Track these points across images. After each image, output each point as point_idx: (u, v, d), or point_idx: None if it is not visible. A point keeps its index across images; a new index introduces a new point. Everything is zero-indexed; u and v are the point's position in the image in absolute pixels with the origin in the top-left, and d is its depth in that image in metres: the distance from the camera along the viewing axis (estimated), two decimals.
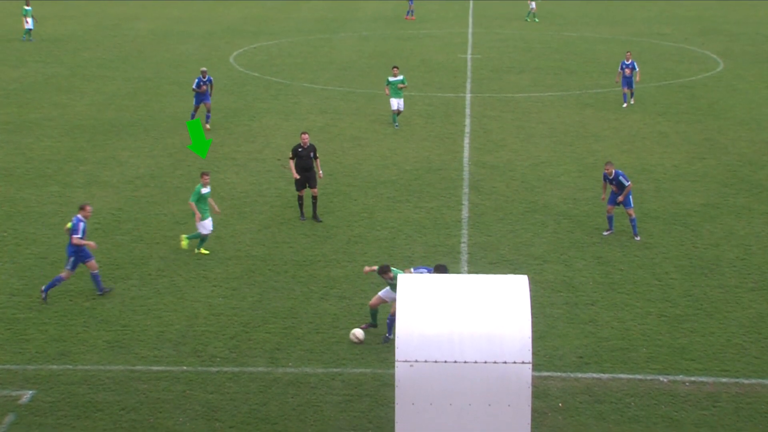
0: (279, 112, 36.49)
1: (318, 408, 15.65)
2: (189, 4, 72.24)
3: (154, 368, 16.93)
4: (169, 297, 19.84)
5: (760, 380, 16.47)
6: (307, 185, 24.36)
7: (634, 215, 23.07)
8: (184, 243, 22.24)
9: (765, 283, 20.51)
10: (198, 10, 69.12)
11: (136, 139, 32.54)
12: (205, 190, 22.14)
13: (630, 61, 36.30)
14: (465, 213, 24.97)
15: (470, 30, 58.74)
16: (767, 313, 19.02)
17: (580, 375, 16.69)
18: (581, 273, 21.11)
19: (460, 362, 13.20)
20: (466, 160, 29.96)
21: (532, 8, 61.81)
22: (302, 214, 24.48)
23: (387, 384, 16.04)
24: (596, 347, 17.69)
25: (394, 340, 14.06)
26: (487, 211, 25.12)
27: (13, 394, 16.05)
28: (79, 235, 19.47)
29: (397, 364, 13.15)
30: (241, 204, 25.80)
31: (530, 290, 13.84)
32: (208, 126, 33.41)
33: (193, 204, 22.09)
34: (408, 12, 63.15)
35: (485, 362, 13.19)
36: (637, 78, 36.78)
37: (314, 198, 24.44)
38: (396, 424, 13.07)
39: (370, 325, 18.30)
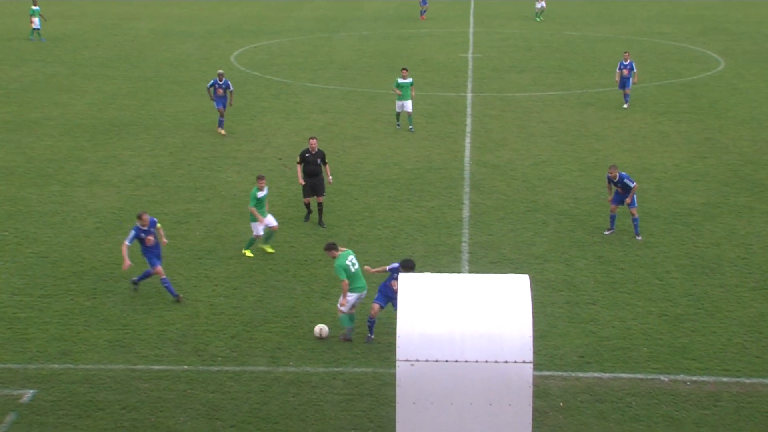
0: (280, 111, 36.49)
1: (319, 407, 15.65)
2: (189, 4, 72.24)
3: (155, 367, 16.94)
4: (169, 296, 19.83)
5: (761, 379, 16.47)
6: (314, 193, 24.01)
7: (637, 215, 23.07)
8: (248, 253, 22.08)
9: (766, 282, 20.51)
10: (199, 9, 69.12)
11: (136, 139, 32.54)
12: (261, 194, 21.93)
13: (628, 61, 36.03)
14: (466, 212, 24.97)
15: (471, 29, 58.73)
16: None
17: (581, 374, 16.68)
18: (582, 272, 21.11)
19: (461, 361, 13.20)
20: (467, 159, 29.96)
21: (542, 7, 61.61)
22: (307, 217, 24.26)
23: (388, 383, 16.04)
24: (597, 346, 17.68)
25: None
26: (488, 211, 25.12)
27: (15, 393, 16.05)
28: (127, 243, 19.48)
29: (398, 363, 13.14)
30: (241, 203, 25.78)
31: (531, 289, 13.83)
32: (221, 131, 32.67)
33: (253, 209, 21.80)
34: (422, 12, 62.68)
35: (486, 361, 13.19)
36: (635, 79, 36.41)
37: (320, 205, 24.07)
38: (397, 424, 13.07)
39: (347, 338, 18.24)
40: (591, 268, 21.35)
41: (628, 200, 22.81)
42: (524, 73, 44.13)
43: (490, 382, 13.24)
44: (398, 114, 33.47)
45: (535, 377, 13.89)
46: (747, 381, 16.42)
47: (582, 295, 19.93)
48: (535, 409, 14.29)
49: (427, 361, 13.19)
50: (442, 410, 13.14)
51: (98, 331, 18.39)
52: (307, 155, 24.00)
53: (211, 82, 32.59)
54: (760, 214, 24.72)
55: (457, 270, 21.08)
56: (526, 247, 22.61)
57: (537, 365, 15.49)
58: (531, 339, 13.23)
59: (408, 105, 32.91)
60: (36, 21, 53.13)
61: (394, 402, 13.21)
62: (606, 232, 23.25)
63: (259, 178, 22.11)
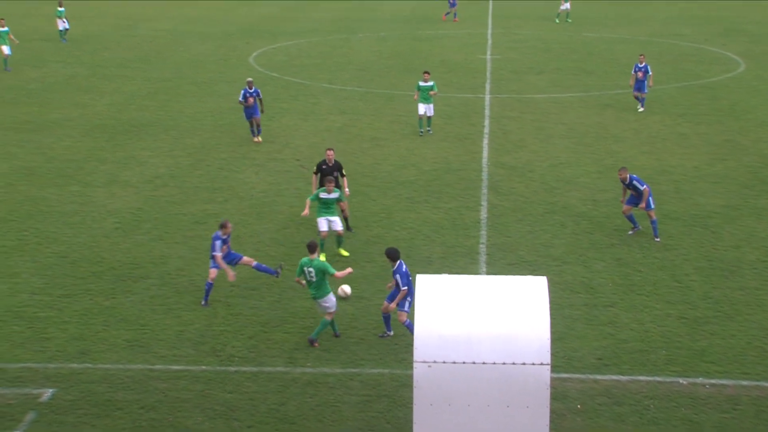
0: (298, 112, 36.56)
1: (336, 408, 15.67)
2: (208, 5, 72.47)
3: (173, 367, 17.00)
4: (188, 296, 19.91)
5: None
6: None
7: (655, 217, 22.98)
8: (344, 252, 22.18)
9: None
10: (216, 10, 69.33)
11: (155, 139, 32.68)
12: (325, 195, 21.92)
13: (643, 64, 35.66)
14: (484, 214, 24.94)
15: (489, 30, 58.66)
16: None
17: (599, 377, 16.64)
18: (600, 274, 21.05)
19: (478, 363, 13.18)
20: (485, 160, 29.92)
21: (566, 8, 61.39)
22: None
23: (405, 384, 16.04)
24: (615, 349, 17.62)
25: (412, 340, 14.03)
26: (505, 212, 25.08)
27: (34, 392, 16.15)
28: (217, 252, 19.45)
29: (415, 364, 13.14)
30: (260, 204, 25.86)
31: (549, 291, 13.80)
32: (258, 139, 31.97)
33: (309, 200, 22.08)
34: (453, 15, 62.28)
35: (504, 363, 13.17)
36: (650, 82, 35.97)
37: (343, 212, 23.45)
38: (414, 425, 13.07)
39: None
40: (609, 270, 21.28)
41: (642, 205, 22.73)
42: (543, 75, 44.03)
43: (507, 384, 13.22)
44: (421, 118, 32.96)
45: (552, 379, 13.87)
46: (767, 384, 16.32)
47: (600, 298, 19.87)
48: (552, 412, 14.25)
49: (444, 362, 13.18)
50: (460, 412, 13.13)
51: (117, 330, 18.47)
52: (324, 167, 23.63)
53: (242, 92, 31.44)
54: None
55: (475, 271, 21.07)
56: (544, 248, 22.56)
57: (555, 367, 15.45)
58: (549, 341, 13.20)
59: (430, 109, 32.67)
60: (65, 21, 53.37)
61: (411, 403, 13.21)
62: (630, 232, 23.14)
63: (328, 182, 22.02)
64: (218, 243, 19.48)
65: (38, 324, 18.78)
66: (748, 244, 22.75)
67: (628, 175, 22.86)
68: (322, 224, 22.06)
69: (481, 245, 22.76)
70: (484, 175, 28.32)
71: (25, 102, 38.49)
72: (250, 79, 32.11)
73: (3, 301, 19.83)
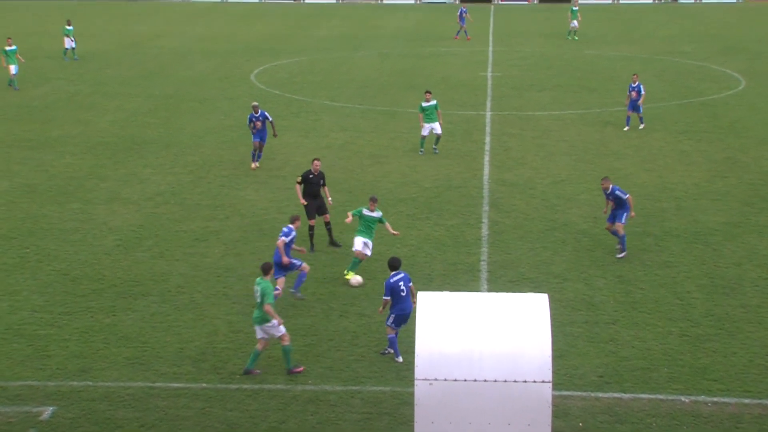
0: (300, 129, 36.60)
1: (337, 426, 15.62)
2: (210, 23, 72.74)
3: (174, 385, 16.96)
4: (188, 314, 19.89)
5: None
6: (317, 213, 23.95)
7: (623, 233, 22.82)
8: (349, 275, 21.83)
9: None
10: (219, 28, 69.56)
11: (157, 156, 32.72)
12: (368, 213, 21.81)
13: (636, 83, 35.57)
14: (485, 231, 24.93)
15: (491, 48, 58.80)
16: None
17: (600, 394, 16.58)
18: (601, 292, 21.01)
19: (479, 381, 13.15)
20: (486, 177, 29.94)
21: (574, 26, 61.59)
22: (312, 246, 23.74)
23: (406, 402, 15.99)
24: (617, 366, 17.58)
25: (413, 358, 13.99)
26: (506, 229, 25.07)
27: (34, 410, 16.11)
28: (286, 240, 20.20)
29: (416, 382, 13.11)
30: (260, 221, 25.87)
31: (550, 309, 13.78)
32: (254, 165, 30.75)
33: (351, 214, 22.01)
34: (465, 32, 62.26)
35: (505, 381, 13.14)
36: (641, 101, 35.78)
37: (327, 224, 23.96)
38: None
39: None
40: (610, 287, 21.25)
41: (632, 213, 22.73)
42: (544, 92, 44.11)
43: (509, 401, 13.19)
44: (424, 138, 32.63)
45: (554, 397, 13.82)
46: None
47: (601, 315, 19.83)
48: (554, 430, 14.21)
49: (445, 380, 13.16)
50: (461, 430, 13.09)
51: (117, 348, 18.44)
52: (310, 176, 23.85)
53: (249, 117, 30.75)
54: None
55: (476, 289, 21.04)
56: (545, 266, 22.53)
57: (556, 385, 15.41)
58: (550, 358, 13.17)
59: (437, 127, 32.27)
60: (72, 40, 53.51)
61: (413, 421, 13.17)
62: (619, 256, 22.95)
63: (371, 199, 22.00)
64: (294, 235, 20.31)
65: (39, 342, 18.76)
66: (750, 261, 22.72)
67: (610, 185, 22.85)
68: (358, 244, 21.68)
69: (482, 262, 22.75)
70: (485, 192, 28.34)
71: (27, 119, 38.57)
72: (255, 103, 31.52)
73: (3, 319, 19.82)
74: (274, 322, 17.11)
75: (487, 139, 34.80)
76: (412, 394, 13.61)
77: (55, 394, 16.64)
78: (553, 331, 13.71)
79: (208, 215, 26.43)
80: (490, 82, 46.57)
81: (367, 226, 21.79)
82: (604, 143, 34.19)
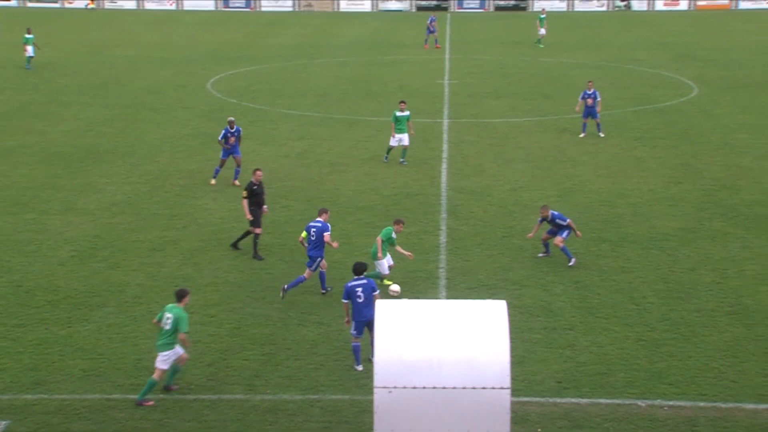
0: (257, 138, 36.46)
1: None
2: (166, 31, 72.33)
3: (131, 396, 16.79)
4: (146, 324, 19.70)
5: (737, 404, 16.52)
6: (258, 224, 23.78)
7: (563, 245, 22.91)
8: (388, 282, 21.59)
9: (741, 306, 20.61)
10: (175, 36, 69.19)
11: (113, 166, 32.43)
12: (395, 236, 21.61)
13: (592, 90, 35.79)
14: (443, 238, 25.00)
15: (447, 56, 59.06)
16: (744, 337, 19.12)
17: (558, 400, 16.68)
18: (559, 298, 21.15)
19: (438, 388, 13.18)
20: (444, 185, 30.03)
21: (542, 34, 62.12)
22: (257, 253, 23.65)
23: (366, 410, 15.96)
24: (575, 372, 17.69)
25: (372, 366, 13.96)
26: (465, 237, 25.15)
27: None
28: (329, 233, 21.01)
29: (375, 390, 13.11)
30: (218, 230, 25.72)
31: (509, 315, 13.84)
32: (236, 182, 29.68)
33: (380, 240, 21.48)
34: (435, 41, 62.23)
35: (464, 388, 13.18)
36: (599, 108, 36.14)
37: (258, 237, 23.74)
38: None
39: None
40: (568, 293, 21.40)
41: (578, 233, 23.00)
42: (501, 99, 44.38)
43: (468, 408, 13.22)
44: (390, 148, 32.46)
45: (513, 403, 13.87)
46: (723, 406, 16.47)
47: (559, 321, 19.96)
48: None
49: (404, 387, 13.17)
50: None
51: (73, 360, 18.22)
52: (254, 187, 23.69)
53: (222, 132, 29.78)
54: (735, 239, 24.88)
55: (435, 296, 21.08)
56: (504, 272, 22.64)
57: (515, 391, 15.46)
58: (509, 365, 13.23)
59: (405, 139, 32.15)
60: (29, 49, 52.86)
61: (372, 429, 13.15)
62: (570, 264, 23.06)
63: (397, 222, 21.78)
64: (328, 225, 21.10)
65: None
66: (704, 266, 23.00)
67: (550, 212, 22.95)
68: (389, 262, 21.54)
69: (440, 270, 22.80)
70: (443, 200, 28.42)
71: None
72: (231, 118, 30.66)
73: None
74: (172, 350, 16.56)
75: (445, 147, 34.92)
76: (371, 402, 13.59)
77: (8, 408, 16.39)
78: (511, 338, 13.76)
79: (165, 225, 26.23)
80: (447, 90, 46.77)
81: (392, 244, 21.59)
82: (561, 150, 34.46)
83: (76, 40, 66.78)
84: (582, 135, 36.12)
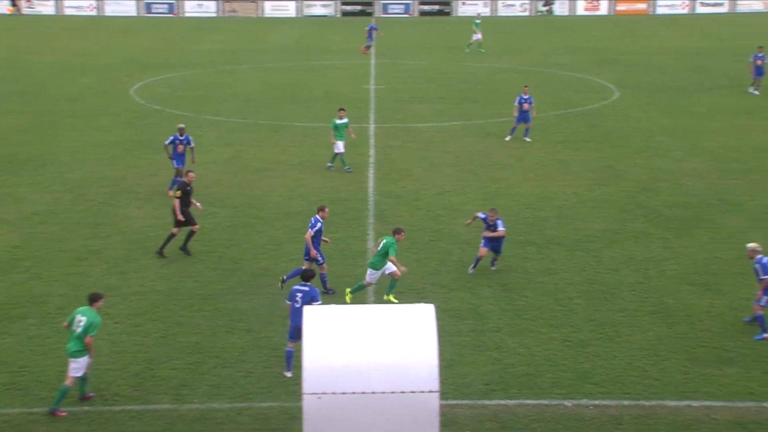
0: None
1: None
2: (87, 37, 71.19)
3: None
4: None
5: (660, 401, 16.86)
6: (191, 222, 24.08)
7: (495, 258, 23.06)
8: (348, 297, 21.15)
9: (663, 306, 21.04)
10: (96, 42, 68.12)
11: (33, 175, 31.78)
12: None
13: (528, 95, 36.33)
14: (371, 243, 25.03)
15: (373, 61, 59.21)
16: (665, 336, 19.52)
17: (487, 402, 16.82)
18: (487, 300, 21.33)
19: (368, 393, 13.19)
20: (371, 190, 30.09)
21: (478, 38, 62.62)
22: (163, 252, 23.88)
23: (295, 417, 15.89)
24: (503, 374, 17.87)
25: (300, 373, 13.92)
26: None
27: None
28: (312, 232, 21.15)
29: (304, 396, 13.07)
30: (144, 238, 25.38)
31: (437, 319, 13.92)
32: (170, 193, 27.81)
33: (393, 258, 20.83)
34: (367, 47, 62.23)
35: (393, 392, 13.22)
36: (533, 113, 36.54)
37: (194, 233, 24.12)
38: None
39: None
40: (495, 296, 21.60)
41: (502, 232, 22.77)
42: (426, 104, 44.64)
43: (397, 412, 13.26)
44: (336, 155, 32.14)
45: (442, 406, 13.94)
46: (647, 403, 16.78)
47: (487, 323, 20.13)
48: None
49: (334, 393, 13.15)
50: None
51: None
52: (188, 188, 23.99)
53: (171, 138, 29.08)
54: (656, 239, 25.39)
55: (363, 301, 21.08)
56: (431, 276, 22.76)
57: (444, 394, 15.54)
58: (437, 368, 13.31)
59: (341, 146, 31.90)
60: None
61: None
62: (493, 268, 23.23)
63: (397, 231, 21.12)
64: (319, 225, 21.29)
65: None
66: (627, 266, 23.41)
67: (496, 218, 22.79)
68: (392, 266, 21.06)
69: None
70: (371, 205, 28.48)
71: None
72: (181, 125, 29.98)
73: None
74: (86, 358, 16.28)
75: (372, 152, 34.98)
76: (300, 409, 13.54)
77: None
78: (440, 341, 13.84)
79: (89, 234, 25.79)
80: (373, 95, 46.87)
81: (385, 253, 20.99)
82: (487, 154, 34.78)
83: None
84: (508, 138, 36.47)
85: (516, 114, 36.46)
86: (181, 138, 29.20)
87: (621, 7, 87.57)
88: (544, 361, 18.35)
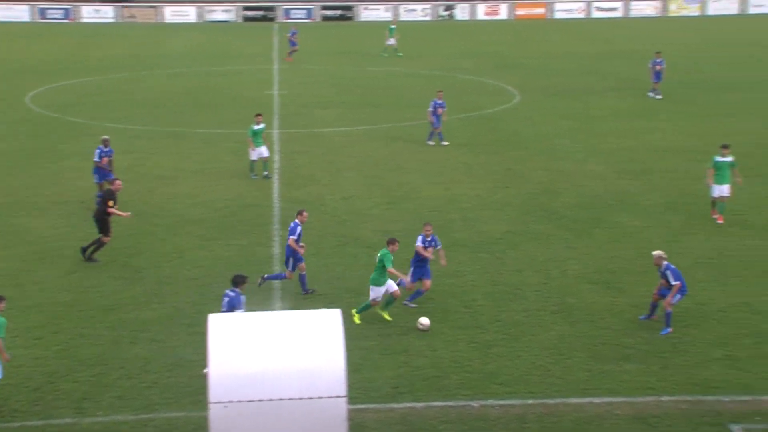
0: (82, 153, 35.18)
1: None
2: None
3: None
4: None
5: (563, 399, 17.19)
6: (103, 230, 24.06)
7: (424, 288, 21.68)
8: (356, 318, 20.47)
9: (565, 305, 21.46)
10: None
11: None
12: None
13: (442, 100, 36.61)
14: (276, 249, 24.93)
15: (276, 66, 58.98)
16: (568, 334, 19.91)
17: (395, 405, 16.91)
18: (394, 304, 21.41)
19: (275, 400, 13.14)
20: (276, 196, 29.96)
21: (392, 43, 62.79)
22: (92, 257, 24.03)
23: (201, 427, 15.69)
24: (410, 376, 17.98)
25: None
26: None
27: None
28: (294, 237, 21.11)
29: (210, 405, 12.95)
30: (43, 249, 24.78)
31: (344, 323, 13.94)
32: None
33: (392, 270, 20.24)
34: (291, 53, 61.58)
35: (301, 399, 13.20)
36: (444, 117, 36.96)
37: (104, 244, 24.12)
38: None
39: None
40: (403, 299, 21.68)
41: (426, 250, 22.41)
42: (331, 109, 44.66)
43: (305, 418, 13.25)
44: (253, 162, 31.82)
45: (350, 411, 13.97)
46: (551, 402, 17.09)
47: (394, 327, 20.23)
48: None
49: (240, 401, 13.07)
50: None
51: None
52: (114, 196, 24.04)
53: (97, 152, 28.36)
54: (557, 240, 25.88)
55: (270, 308, 20.98)
56: (338, 281, 22.77)
57: (352, 399, 15.55)
58: (344, 373, 13.34)
59: (265, 151, 31.68)
60: None
61: None
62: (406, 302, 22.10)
63: (392, 241, 20.54)
64: (299, 229, 21.41)
65: None
66: (530, 267, 23.81)
67: (432, 234, 22.13)
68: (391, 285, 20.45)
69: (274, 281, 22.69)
70: (276, 211, 28.35)
71: None
72: (105, 137, 29.19)
73: None
74: None
75: (276, 158, 34.81)
76: (207, 418, 13.40)
77: None
78: (347, 346, 13.86)
79: None
80: (276, 101, 46.69)
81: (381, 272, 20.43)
82: (392, 158, 34.97)
83: None
84: (431, 143, 36.61)
85: (431, 119, 36.74)
86: (106, 150, 28.50)
87: (520, 11, 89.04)
88: (450, 363, 18.54)
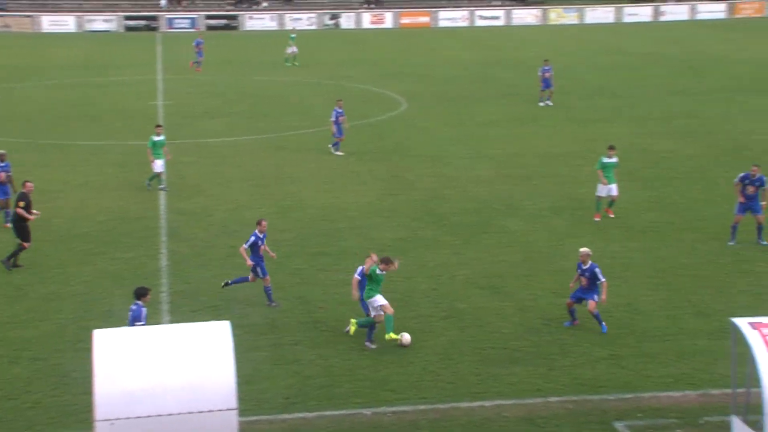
0: None
1: None
2: None
3: None
4: None
5: (453, 404, 17.37)
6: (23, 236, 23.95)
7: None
8: (353, 329, 19.84)
9: (454, 310, 21.70)
10: None
11: None
12: (380, 272, 19.70)
13: (341, 108, 36.59)
14: (164, 261, 24.55)
15: (160, 76, 58.10)
16: (458, 339, 20.14)
17: (287, 416, 16.83)
18: (285, 314, 21.34)
19: (164, 415, 12.92)
20: (162, 207, 29.49)
21: (293, 51, 62.35)
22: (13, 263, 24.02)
23: None
24: (302, 386, 17.92)
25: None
26: (186, 258, 24.82)
27: None
28: (246, 246, 21.25)
29: (96, 423, 12.65)
30: None
31: (234, 335, 13.80)
32: (8, 225, 25.50)
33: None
34: (197, 63, 60.22)
35: (190, 413, 13.01)
36: (346, 125, 36.92)
37: (24, 249, 24.09)
38: None
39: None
40: (293, 309, 21.63)
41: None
42: (217, 119, 44.24)
43: None
44: (158, 174, 31.16)
45: (241, 423, 13.84)
46: (442, 406, 17.26)
47: (285, 337, 20.14)
48: None
49: (128, 418, 12.81)
50: None
51: None
52: (28, 198, 23.95)
53: None
54: (446, 245, 26.17)
55: (158, 321, 20.60)
56: (228, 292, 22.53)
57: (243, 411, 15.39)
58: (234, 385, 13.20)
59: (163, 164, 31.10)
60: None
61: None
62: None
63: (384, 260, 19.83)
64: (252, 238, 21.28)
65: None
66: (420, 273, 24.01)
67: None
68: (382, 300, 19.73)
69: (162, 293, 22.34)
70: (163, 222, 27.92)
71: None
72: (2, 151, 27.89)
73: None
74: None
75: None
76: None
77: None
78: (237, 358, 13.72)
79: None
80: (161, 111, 45.99)
81: (379, 284, 19.90)
82: (280, 167, 34.83)
83: None
84: (340, 153, 36.42)
85: (333, 129, 36.67)
86: (3, 165, 27.30)
87: (405, 20, 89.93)
88: (342, 372, 18.54)
